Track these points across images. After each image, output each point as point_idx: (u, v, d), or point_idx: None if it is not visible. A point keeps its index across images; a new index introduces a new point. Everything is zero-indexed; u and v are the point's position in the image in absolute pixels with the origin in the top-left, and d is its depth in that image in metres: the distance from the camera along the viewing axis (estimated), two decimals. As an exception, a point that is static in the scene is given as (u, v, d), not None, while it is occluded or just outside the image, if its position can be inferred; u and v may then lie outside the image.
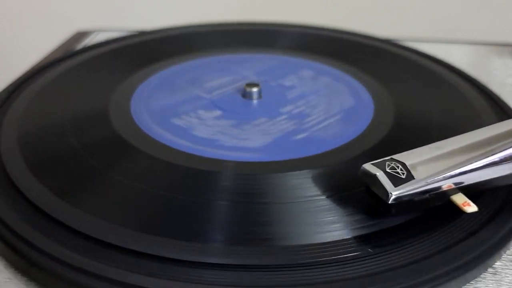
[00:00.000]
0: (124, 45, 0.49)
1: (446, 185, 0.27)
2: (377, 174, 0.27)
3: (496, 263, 0.28)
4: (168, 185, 0.30)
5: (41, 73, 0.44)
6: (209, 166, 0.32)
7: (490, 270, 0.27)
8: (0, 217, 0.28)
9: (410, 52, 0.48)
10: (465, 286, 0.26)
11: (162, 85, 0.42)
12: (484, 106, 0.38)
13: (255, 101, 0.39)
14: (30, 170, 0.32)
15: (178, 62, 0.46)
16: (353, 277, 0.25)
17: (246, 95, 0.40)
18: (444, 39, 0.57)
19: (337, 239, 0.27)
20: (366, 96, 0.40)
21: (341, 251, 0.26)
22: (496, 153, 0.28)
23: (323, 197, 0.29)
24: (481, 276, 0.27)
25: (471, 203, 0.27)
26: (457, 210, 0.27)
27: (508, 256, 0.28)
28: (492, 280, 0.27)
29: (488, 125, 0.30)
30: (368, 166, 0.28)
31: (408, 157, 0.28)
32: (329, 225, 0.28)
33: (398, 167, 0.27)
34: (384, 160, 0.28)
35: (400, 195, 0.26)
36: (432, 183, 0.27)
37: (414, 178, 0.27)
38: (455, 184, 0.27)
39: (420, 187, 0.27)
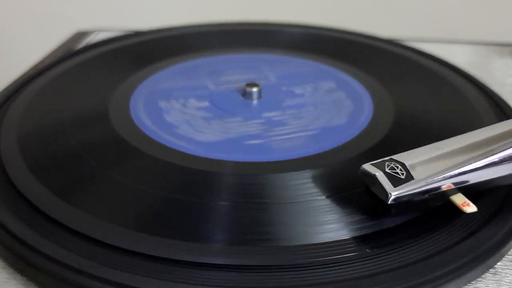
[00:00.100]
0: (124, 45, 0.49)
1: (446, 185, 0.27)
2: (377, 174, 0.27)
3: (496, 263, 0.28)
4: (168, 185, 0.30)
5: (41, 73, 0.44)
6: (209, 166, 0.32)
7: (490, 270, 0.27)
8: (1, 219, 0.28)
9: (410, 51, 0.48)
10: (465, 286, 0.26)
11: (162, 85, 0.42)
12: (485, 106, 0.38)
13: (255, 101, 0.39)
14: (29, 170, 0.32)
15: (178, 62, 0.46)
16: (353, 278, 0.25)
17: (246, 94, 0.40)
18: (445, 39, 0.57)
19: (336, 239, 0.27)
20: (366, 96, 0.40)
21: (340, 251, 0.26)
22: (496, 153, 0.28)
23: (323, 197, 0.29)
24: (481, 276, 0.27)
25: (471, 204, 0.27)
26: (457, 211, 0.27)
27: (508, 256, 0.28)
28: (492, 280, 0.27)
29: (488, 125, 0.30)
30: (368, 167, 0.28)
31: (408, 158, 0.28)
32: (329, 225, 0.28)
33: (397, 167, 0.27)
34: (383, 160, 0.28)
35: (400, 195, 0.26)
36: (432, 183, 0.27)
37: (413, 179, 0.27)
38: (455, 184, 0.27)
39: (420, 187, 0.27)
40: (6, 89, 0.42)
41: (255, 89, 0.39)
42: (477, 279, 0.27)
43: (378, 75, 0.43)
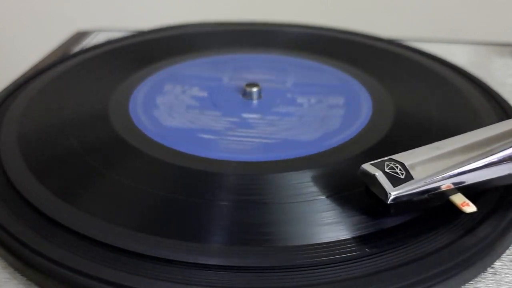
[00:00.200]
0: (124, 45, 0.49)
1: (445, 185, 0.27)
2: (376, 174, 0.27)
3: (496, 263, 0.28)
4: (167, 185, 0.30)
5: (41, 73, 0.44)
6: (208, 166, 0.32)
7: (490, 270, 0.27)
8: (0, 219, 0.28)
9: (410, 51, 0.48)
10: (465, 286, 0.26)
11: (162, 84, 0.42)
12: (485, 106, 0.38)
13: (254, 101, 0.39)
14: (29, 170, 0.32)
15: (179, 62, 0.46)
16: (352, 277, 0.25)
17: (245, 94, 0.40)
18: (445, 39, 0.57)
19: (336, 240, 0.27)
20: (365, 96, 0.40)
21: (340, 251, 0.26)
22: (495, 153, 0.28)
23: (322, 197, 0.29)
24: (481, 276, 0.27)
25: (470, 203, 0.27)
26: (456, 210, 0.27)
27: (508, 256, 0.28)
28: (492, 280, 0.27)
29: (488, 125, 0.30)
30: (367, 166, 0.28)
31: (407, 157, 0.28)
32: (328, 225, 0.28)
33: (397, 167, 0.27)
34: (383, 160, 0.28)
35: (399, 195, 0.26)
36: (431, 183, 0.27)
37: (413, 178, 0.27)
38: (454, 184, 0.27)
39: (419, 187, 0.27)
40: (6, 89, 0.42)
41: (255, 89, 0.39)
42: (476, 279, 0.27)
43: (378, 75, 0.43)
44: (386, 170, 0.27)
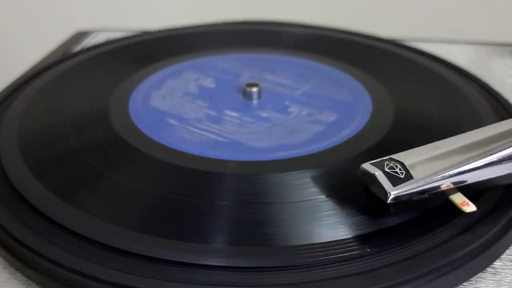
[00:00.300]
0: (124, 45, 0.49)
1: (445, 184, 0.27)
2: (376, 173, 0.27)
3: (496, 263, 0.28)
4: (167, 185, 0.30)
5: (41, 73, 0.44)
6: (209, 166, 0.32)
7: (490, 270, 0.27)
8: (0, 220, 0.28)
9: (410, 51, 0.48)
10: (465, 286, 0.26)
11: (162, 84, 0.42)
12: (485, 105, 0.38)
13: (254, 101, 0.39)
14: (29, 170, 0.31)
15: (178, 62, 0.46)
16: (351, 274, 0.25)
17: (245, 94, 0.40)
18: (445, 39, 0.57)
19: (336, 239, 0.27)
20: (365, 95, 0.40)
21: (340, 251, 0.26)
22: (495, 153, 0.28)
23: (322, 197, 0.29)
24: (481, 276, 0.27)
25: (470, 203, 0.27)
26: (456, 210, 0.27)
27: (508, 256, 0.28)
28: (492, 280, 0.27)
29: (488, 124, 0.30)
30: (367, 166, 0.28)
31: (407, 157, 0.28)
32: (328, 224, 0.28)
33: (397, 166, 0.27)
34: (383, 159, 0.28)
35: (399, 194, 0.26)
36: (431, 182, 0.27)
37: (412, 178, 0.27)
38: (454, 183, 0.27)
39: (419, 186, 0.27)
40: (6, 88, 0.42)
41: (254, 89, 0.39)
42: (477, 279, 0.27)
43: (378, 75, 0.43)
44: (386, 169, 0.27)
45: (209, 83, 0.42)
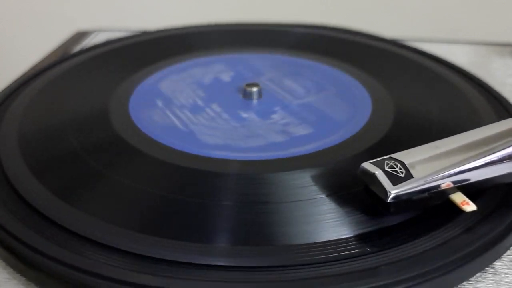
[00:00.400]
0: (124, 46, 0.49)
1: (445, 184, 0.27)
2: (376, 173, 0.27)
3: (496, 263, 0.28)
4: (168, 185, 0.30)
5: (41, 73, 0.44)
6: (210, 166, 0.32)
7: (490, 270, 0.27)
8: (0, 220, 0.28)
9: (410, 51, 0.48)
10: (465, 286, 0.26)
11: (162, 84, 0.42)
12: (485, 105, 0.38)
13: (254, 101, 0.39)
14: (29, 170, 0.31)
15: (178, 62, 0.46)
16: (351, 271, 0.25)
17: (245, 94, 0.40)
18: (445, 39, 0.57)
19: (336, 238, 0.27)
20: (365, 95, 0.40)
21: (340, 250, 0.26)
22: (495, 152, 0.28)
23: (322, 196, 0.29)
24: (481, 276, 0.27)
25: (470, 202, 0.27)
26: (456, 209, 0.27)
27: (508, 256, 0.28)
28: (492, 280, 0.27)
29: (488, 123, 0.30)
30: (367, 165, 0.28)
31: (407, 156, 0.28)
32: (328, 224, 0.28)
33: (397, 166, 0.27)
34: (383, 159, 0.28)
35: (399, 193, 0.26)
36: (431, 182, 0.27)
37: (413, 177, 0.27)
38: (454, 183, 0.27)
39: (419, 186, 0.27)
40: (6, 88, 0.42)
41: (254, 89, 0.40)
42: (477, 279, 0.27)
43: (378, 74, 0.43)
44: (386, 168, 0.27)
45: (223, 75, 0.43)
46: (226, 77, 0.43)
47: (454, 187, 0.27)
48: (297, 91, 0.41)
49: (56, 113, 0.38)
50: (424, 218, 0.28)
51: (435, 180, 0.27)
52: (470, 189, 0.28)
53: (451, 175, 0.27)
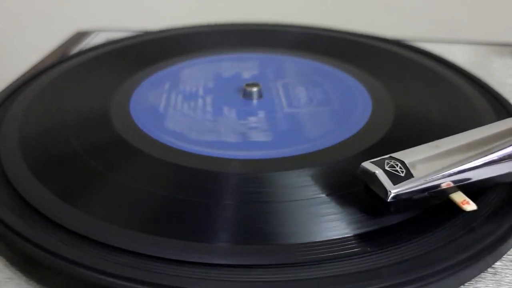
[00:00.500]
0: (124, 46, 0.49)
1: (445, 183, 0.27)
2: (376, 172, 0.27)
3: (496, 263, 0.28)
4: (169, 185, 0.30)
5: (41, 73, 0.44)
6: (210, 165, 0.32)
7: (490, 270, 0.27)
8: (2, 219, 0.28)
9: (410, 51, 0.48)
10: (465, 286, 0.26)
11: (163, 84, 0.42)
12: (485, 105, 0.38)
13: (254, 101, 0.40)
14: (30, 171, 0.31)
15: (178, 62, 0.46)
16: (351, 273, 0.25)
17: (245, 94, 0.40)
18: (445, 39, 0.57)
19: (336, 238, 0.27)
20: (365, 95, 0.40)
21: (340, 249, 0.26)
22: (495, 151, 0.28)
23: (323, 195, 0.29)
24: (481, 276, 0.27)
25: (470, 202, 0.27)
26: (457, 209, 0.27)
27: (508, 256, 0.28)
28: (492, 280, 0.27)
29: (488, 123, 0.30)
30: (367, 164, 0.28)
31: (407, 156, 0.28)
32: (328, 223, 0.28)
33: (397, 165, 0.27)
34: (383, 158, 0.28)
35: (399, 193, 0.26)
36: (431, 181, 0.27)
37: (413, 176, 0.27)
38: (454, 182, 0.27)
39: (419, 185, 0.26)
40: (6, 89, 0.42)
41: (255, 89, 0.40)
42: (477, 279, 0.27)
43: (378, 74, 0.43)
44: (386, 168, 0.27)
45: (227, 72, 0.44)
46: (247, 74, 0.44)
47: (454, 186, 0.27)
48: (299, 99, 0.40)
49: (56, 113, 0.38)
50: (424, 217, 0.28)
51: (436, 180, 0.27)
52: (471, 189, 0.28)
53: (451, 175, 0.27)
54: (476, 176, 0.28)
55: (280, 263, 0.26)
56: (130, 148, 0.33)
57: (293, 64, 0.45)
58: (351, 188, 0.29)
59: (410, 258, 0.26)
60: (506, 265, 0.28)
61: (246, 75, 0.44)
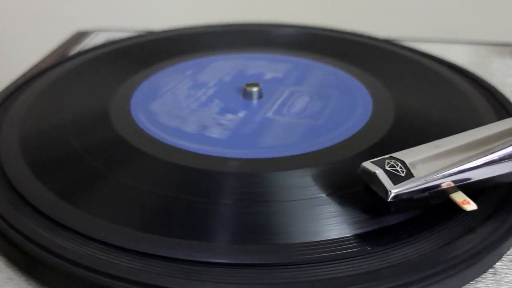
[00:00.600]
0: (125, 46, 0.49)
1: (446, 183, 0.27)
2: (377, 172, 0.27)
3: (496, 263, 0.28)
4: (170, 185, 0.30)
5: (41, 74, 0.44)
6: (210, 165, 0.32)
7: (490, 270, 0.27)
8: (3, 218, 0.28)
9: (410, 51, 0.48)
10: (465, 286, 0.26)
11: (163, 84, 0.42)
12: (485, 105, 0.38)
13: (254, 101, 0.39)
14: (31, 171, 0.31)
15: (178, 62, 0.46)
16: (351, 275, 0.25)
17: (246, 94, 0.40)
18: (445, 39, 0.57)
19: (336, 237, 0.27)
20: (365, 95, 0.40)
21: (340, 249, 0.26)
22: (496, 151, 0.28)
23: (322, 195, 0.29)
24: (481, 276, 0.27)
25: (471, 202, 0.27)
26: (457, 208, 0.27)
27: (508, 256, 0.28)
28: (492, 280, 0.27)
29: (488, 123, 0.30)
30: (368, 164, 0.28)
31: (408, 155, 0.28)
32: (329, 223, 0.28)
33: (397, 165, 0.27)
34: (383, 158, 0.28)
35: (400, 193, 0.26)
36: (432, 181, 0.27)
37: (413, 176, 0.27)
38: (455, 182, 0.27)
39: (420, 185, 0.26)
40: (6, 89, 0.42)
41: (255, 89, 0.40)
42: (477, 279, 0.27)
43: (378, 75, 0.43)
44: (387, 168, 0.27)
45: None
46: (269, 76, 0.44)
47: (454, 186, 0.27)
48: (293, 108, 0.39)
49: (58, 114, 0.38)
50: (424, 217, 0.28)
51: (436, 180, 0.27)
52: (471, 189, 0.28)
53: (451, 175, 0.27)
54: (476, 176, 0.28)
55: (280, 262, 0.26)
56: (131, 148, 0.33)
57: (320, 73, 0.44)
58: (351, 188, 0.29)
59: (411, 258, 0.26)
60: (506, 265, 0.28)
61: (268, 76, 0.43)
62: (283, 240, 0.27)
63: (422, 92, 0.41)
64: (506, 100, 0.40)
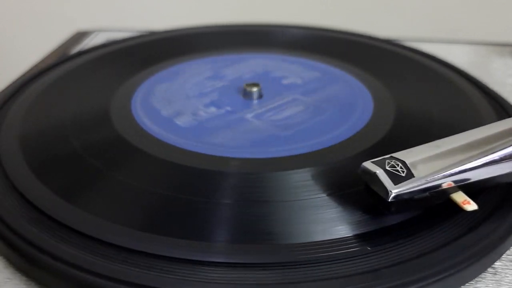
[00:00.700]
0: (125, 46, 0.49)
1: (446, 183, 0.27)
2: (377, 172, 0.27)
3: (496, 263, 0.28)
4: (170, 184, 0.30)
5: (42, 73, 0.44)
6: (210, 165, 0.32)
7: (490, 270, 0.27)
8: (3, 219, 0.28)
9: (410, 51, 0.48)
10: (465, 286, 0.26)
11: (163, 84, 0.42)
12: (485, 105, 0.38)
13: (254, 101, 0.39)
14: (31, 171, 0.31)
15: (179, 62, 0.46)
16: (352, 274, 0.25)
17: (246, 94, 0.40)
18: (445, 39, 0.57)
19: (337, 237, 0.27)
20: (366, 95, 0.40)
21: (341, 249, 0.26)
22: (496, 151, 0.28)
23: (323, 195, 0.29)
24: (481, 276, 0.27)
25: (471, 201, 0.27)
26: (457, 209, 0.27)
27: (508, 256, 0.28)
28: (492, 280, 0.27)
29: (488, 123, 0.30)
30: (368, 164, 0.28)
31: (408, 155, 0.28)
32: (329, 223, 0.28)
33: (398, 165, 0.27)
34: (384, 158, 0.28)
35: (400, 193, 0.26)
36: (432, 181, 0.27)
37: (414, 176, 0.27)
38: (455, 182, 0.27)
39: (420, 185, 0.26)
40: (6, 89, 0.42)
41: (255, 89, 0.40)
42: (477, 279, 0.27)
43: (379, 75, 0.43)
44: (387, 168, 0.27)
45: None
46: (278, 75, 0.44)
47: (455, 186, 0.27)
48: (280, 114, 0.38)
49: (58, 113, 0.38)
50: (425, 217, 0.28)
51: (436, 180, 0.27)
52: (471, 189, 0.28)
53: (452, 175, 0.27)
54: (476, 176, 0.28)
55: (280, 262, 0.26)
56: (131, 147, 0.33)
57: (338, 86, 0.42)
58: (352, 188, 0.29)
59: (411, 258, 0.26)
60: (506, 265, 0.28)
61: (288, 81, 0.43)
62: (283, 240, 0.27)
63: (423, 92, 0.41)
64: (505, 101, 0.40)
